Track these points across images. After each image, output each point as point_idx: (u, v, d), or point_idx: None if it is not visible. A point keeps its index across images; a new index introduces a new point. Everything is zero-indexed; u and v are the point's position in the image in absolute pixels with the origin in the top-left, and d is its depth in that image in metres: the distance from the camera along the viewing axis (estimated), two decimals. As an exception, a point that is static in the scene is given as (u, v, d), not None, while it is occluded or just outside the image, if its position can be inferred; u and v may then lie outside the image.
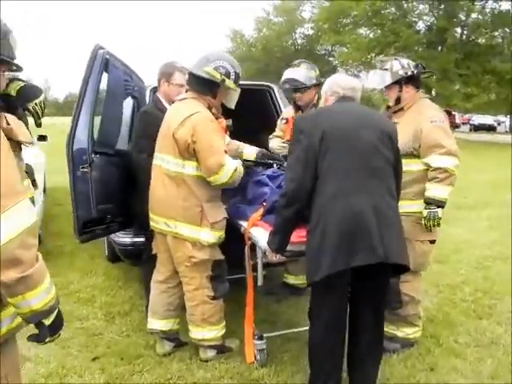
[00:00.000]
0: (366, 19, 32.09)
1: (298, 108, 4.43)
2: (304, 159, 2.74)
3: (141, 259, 3.99)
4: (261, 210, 3.40)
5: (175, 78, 3.77)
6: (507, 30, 29.23)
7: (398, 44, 29.54)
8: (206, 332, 3.45)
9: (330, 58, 45.26)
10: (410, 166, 3.43)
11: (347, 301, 2.84)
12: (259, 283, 3.27)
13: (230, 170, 3.21)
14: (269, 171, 3.91)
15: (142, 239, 3.94)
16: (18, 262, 1.55)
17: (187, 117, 3.13)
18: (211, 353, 3.50)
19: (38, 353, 3.56)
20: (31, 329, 1.71)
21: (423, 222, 3.45)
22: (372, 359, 2.93)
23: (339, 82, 3.06)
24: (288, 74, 4.40)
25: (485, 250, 6.39)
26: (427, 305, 4.49)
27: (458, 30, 30.90)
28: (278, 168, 3.97)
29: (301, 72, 4.33)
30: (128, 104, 4.05)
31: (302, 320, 4.02)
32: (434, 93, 24.78)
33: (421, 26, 32.27)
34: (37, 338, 1.73)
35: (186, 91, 3.41)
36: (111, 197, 3.59)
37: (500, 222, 7.98)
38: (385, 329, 3.33)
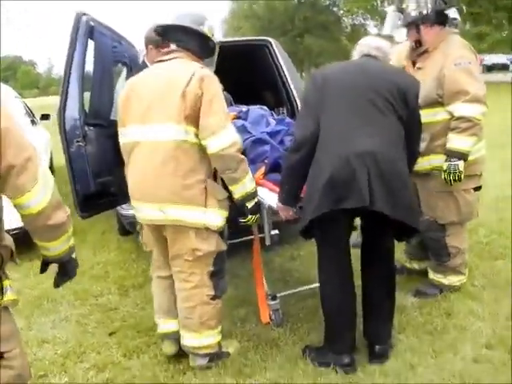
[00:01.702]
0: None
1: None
2: (309, 104, 2.84)
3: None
4: (263, 169, 3.30)
5: None
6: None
7: (404, -12, 28.54)
8: (204, 338, 2.92)
9: (335, 8, 44.16)
10: (435, 116, 3.29)
11: (347, 248, 2.87)
12: (267, 243, 3.21)
13: (231, 136, 2.66)
14: (268, 128, 3.80)
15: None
16: (62, 205, 1.95)
17: (192, 74, 2.61)
18: (203, 361, 2.97)
19: (55, 333, 3.58)
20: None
21: (443, 175, 3.25)
22: (384, 311, 2.94)
23: (366, 41, 3.07)
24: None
25: (498, 191, 6.21)
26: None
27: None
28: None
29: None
30: (120, 72, 3.92)
31: (314, 275, 3.99)
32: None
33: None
34: (61, 278, 2.16)
35: (162, 49, 2.95)
36: (109, 169, 3.49)
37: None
38: (432, 276, 3.60)
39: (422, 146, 3.22)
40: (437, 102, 3.27)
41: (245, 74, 5.32)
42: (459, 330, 3.15)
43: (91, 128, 3.31)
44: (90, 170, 3.26)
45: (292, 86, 5.02)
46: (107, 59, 3.54)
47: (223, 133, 2.62)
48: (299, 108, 4.92)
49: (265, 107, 4.42)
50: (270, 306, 3.40)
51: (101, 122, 3.41)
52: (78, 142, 3.19)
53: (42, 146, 6.47)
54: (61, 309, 3.96)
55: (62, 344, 3.44)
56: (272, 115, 4.38)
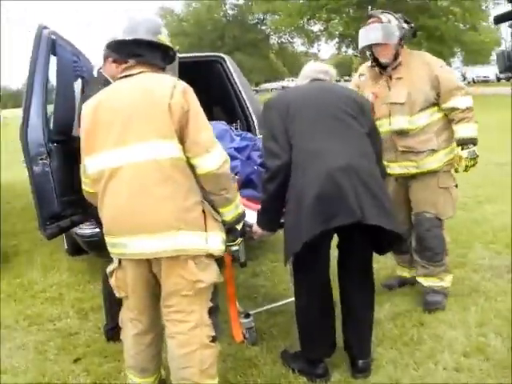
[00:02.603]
0: (296, -16, 31.90)
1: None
2: (276, 132, 2.80)
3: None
4: (235, 185, 3.27)
5: None
6: (433, -14, 29.73)
7: (330, 6, 29.55)
8: None
9: (263, 27, 45.02)
10: (433, 116, 3.56)
11: (328, 265, 2.87)
12: (242, 259, 3.17)
13: (223, 152, 2.45)
14: (234, 143, 3.79)
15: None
16: None
17: (172, 86, 2.35)
18: None
19: (13, 363, 3.36)
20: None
21: (464, 163, 3.50)
22: (367, 325, 2.97)
23: (311, 67, 3.15)
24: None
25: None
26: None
27: (387, -12, 31.14)
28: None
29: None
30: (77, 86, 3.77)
31: (282, 292, 4.01)
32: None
33: (350, -14, 32.33)
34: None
35: (121, 64, 2.63)
36: (73, 187, 3.33)
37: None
38: (428, 283, 3.67)
39: (429, 145, 3.53)
40: (433, 103, 3.54)
41: (198, 89, 5.26)
42: (434, 339, 3.22)
43: (55, 144, 3.16)
44: (55, 189, 3.09)
45: (247, 101, 5.05)
46: (69, 74, 3.41)
47: (216, 149, 2.40)
48: (255, 123, 4.97)
49: (223, 122, 4.41)
50: (243, 324, 3.35)
51: (64, 138, 3.26)
52: (42, 159, 3.03)
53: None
54: (16, 335, 3.73)
55: (23, 374, 3.23)
56: (232, 130, 4.38)
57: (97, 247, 4.18)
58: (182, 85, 2.40)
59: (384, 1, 29.88)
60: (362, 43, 3.64)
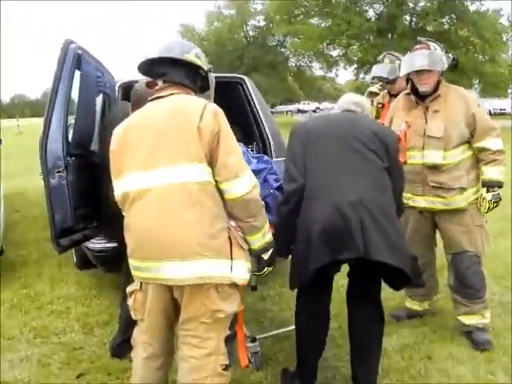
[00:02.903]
0: (318, 9, 32.24)
1: (391, 96, 4.85)
2: (295, 157, 2.85)
3: (118, 266, 3.75)
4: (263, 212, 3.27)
5: None
6: (453, 16, 29.91)
7: (350, 32, 29.81)
8: None
9: (283, 49, 45.40)
10: (465, 153, 3.53)
11: (328, 297, 2.96)
12: (252, 283, 3.14)
13: (253, 177, 2.39)
14: (252, 165, 3.78)
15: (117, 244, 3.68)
16: None
17: (203, 108, 2.30)
18: None
19: (15, 375, 3.34)
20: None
21: (487, 205, 3.49)
22: (375, 356, 2.93)
23: (346, 97, 3.21)
24: (374, 71, 5.05)
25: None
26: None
27: (407, 17, 31.43)
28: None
29: (385, 67, 4.87)
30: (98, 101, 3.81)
31: (289, 317, 3.95)
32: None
33: (371, 14, 32.67)
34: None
35: (154, 87, 2.54)
36: (88, 201, 3.36)
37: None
38: (470, 322, 3.60)
39: (460, 183, 3.49)
40: (466, 141, 3.50)
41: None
42: (442, 374, 3.17)
43: (73, 158, 3.18)
44: (70, 202, 3.11)
45: (265, 124, 5.07)
46: (92, 89, 3.45)
47: (246, 174, 2.33)
48: (272, 146, 4.98)
49: (241, 144, 4.41)
50: (248, 348, 3.31)
51: (82, 153, 3.29)
52: (59, 171, 3.05)
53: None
54: (20, 347, 3.71)
55: (25, 387, 3.21)
56: (248, 152, 4.38)
57: (106, 262, 4.21)
58: (213, 106, 2.35)
59: (405, 29, 30.17)
60: (406, 69, 3.54)
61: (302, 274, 2.70)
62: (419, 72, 3.48)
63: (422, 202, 3.60)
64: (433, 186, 3.52)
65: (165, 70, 2.46)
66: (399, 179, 2.96)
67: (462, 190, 3.50)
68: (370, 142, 2.79)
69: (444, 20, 29.82)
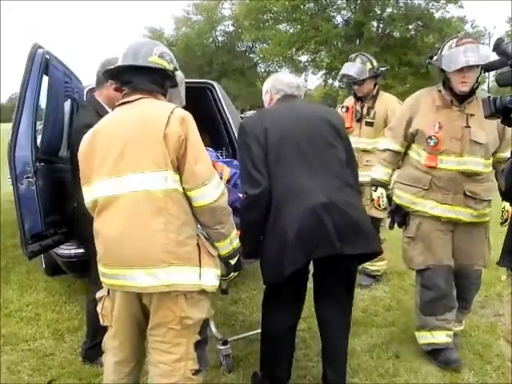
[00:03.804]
0: (286, 15, 32.57)
1: (357, 99, 4.90)
2: (255, 159, 2.75)
3: (87, 271, 3.72)
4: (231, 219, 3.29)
5: None
6: (419, 23, 30.60)
7: (318, 38, 30.26)
8: None
9: (252, 55, 45.65)
10: (489, 167, 3.33)
11: (303, 291, 2.97)
12: (223, 286, 3.17)
13: (220, 185, 2.37)
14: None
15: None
16: None
17: (170, 113, 2.25)
18: None
19: (-16, 382, 3.29)
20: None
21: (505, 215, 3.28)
22: (344, 354, 2.98)
23: (283, 80, 3.09)
24: (344, 69, 4.92)
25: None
26: (381, 294, 4.61)
27: (375, 23, 32.00)
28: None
29: (355, 67, 4.79)
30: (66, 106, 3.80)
31: (260, 319, 4.00)
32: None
33: (339, 20, 33.19)
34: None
35: (121, 92, 2.48)
36: (57, 207, 3.35)
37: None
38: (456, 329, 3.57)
39: (491, 195, 3.32)
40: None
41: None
42: (409, 372, 3.26)
43: (42, 164, 3.17)
44: (40, 208, 3.09)
45: (235, 129, 5.11)
46: (60, 94, 3.43)
47: (213, 182, 2.30)
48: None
49: (210, 149, 4.45)
50: (220, 350, 3.35)
51: (51, 158, 3.29)
52: (28, 177, 3.03)
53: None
54: (-11, 355, 3.67)
55: (-6, 395, 3.19)
56: (218, 157, 4.42)
57: (76, 268, 4.18)
58: (180, 112, 2.29)
59: (372, 35, 30.71)
60: (456, 64, 3.11)
61: (276, 274, 2.70)
62: (466, 69, 3.13)
63: (448, 211, 3.31)
64: (466, 196, 3.26)
65: (130, 78, 2.41)
66: (354, 163, 3.04)
67: (490, 202, 3.34)
68: (330, 136, 2.84)
69: (410, 26, 30.45)
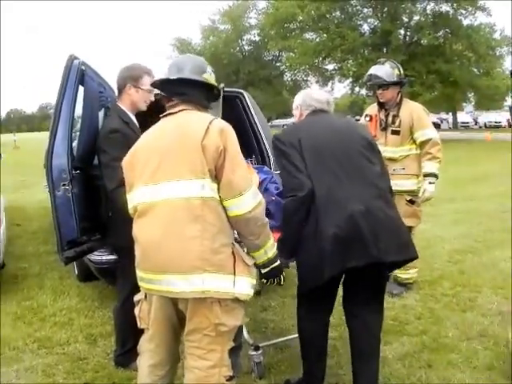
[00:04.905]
0: (312, 24, 32.57)
1: (381, 106, 4.84)
2: (297, 163, 2.80)
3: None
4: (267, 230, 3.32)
5: (144, 82, 3.32)
6: (447, 30, 30.30)
7: (344, 47, 30.15)
8: None
9: (278, 64, 45.77)
10: None
11: (334, 296, 3.02)
12: (257, 288, 3.19)
13: (257, 195, 2.39)
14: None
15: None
16: None
17: (208, 124, 2.33)
18: None
19: (20, 384, 3.37)
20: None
21: None
22: (377, 362, 2.96)
23: (313, 96, 3.15)
24: (372, 70, 4.85)
25: (454, 243, 6.52)
26: (412, 302, 4.56)
27: (402, 31, 31.80)
28: None
29: (383, 69, 4.75)
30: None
31: (290, 327, 4.03)
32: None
33: (366, 28, 33.07)
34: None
35: (167, 103, 2.57)
36: (92, 214, 3.43)
37: (466, 216, 8.19)
38: None
39: None
40: None
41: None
42: (442, 381, 3.22)
43: (78, 172, 3.25)
44: (75, 215, 3.17)
45: (264, 137, 5.16)
46: (94, 104, 3.52)
47: (249, 192, 2.33)
48: (270, 158, 5.06)
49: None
50: (252, 356, 3.37)
51: (86, 167, 3.37)
52: (64, 185, 3.11)
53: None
54: (24, 358, 3.76)
55: (30, 396, 3.26)
56: (249, 164, 4.46)
57: (108, 274, 4.25)
58: (219, 123, 2.37)
59: (400, 43, 30.52)
60: None
61: (314, 278, 2.74)
62: None
63: None
64: None
65: (184, 90, 2.50)
66: (386, 173, 3.08)
67: None
68: (361, 147, 2.91)
69: (438, 34, 30.16)
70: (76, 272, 5.38)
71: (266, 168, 4.17)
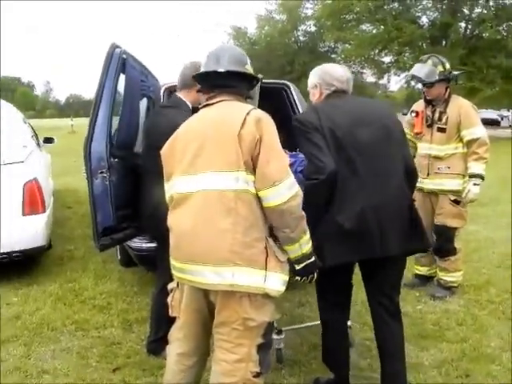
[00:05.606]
0: (369, 15, 31.81)
1: (428, 102, 4.71)
2: (321, 145, 2.68)
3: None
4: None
5: None
6: (511, 24, 29.01)
7: (402, 40, 29.29)
8: None
9: (333, 55, 45.10)
10: None
11: (350, 284, 3.04)
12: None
13: (293, 186, 2.30)
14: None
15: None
16: None
17: (246, 114, 2.28)
18: None
19: (55, 364, 3.47)
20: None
21: None
22: (403, 359, 2.91)
23: (333, 74, 2.96)
24: (413, 70, 4.81)
25: (504, 247, 6.24)
26: (454, 307, 4.39)
27: (462, 24, 30.65)
28: None
29: (425, 68, 4.62)
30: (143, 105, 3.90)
31: (304, 316, 4.17)
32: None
33: (424, 21, 31.94)
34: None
35: (207, 94, 2.55)
36: (129, 202, 3.46)
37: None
38: None
39: None
40: None
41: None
42: (479, 392, 3.09)
43: (116, 160, 3.28)
44: (112, 202, 3.20)
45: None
46: (135, 93, 3.54)
47: (285, 183, 2.25)
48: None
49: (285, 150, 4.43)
50: (274, 340, 3.19)
51: (125, 155, 3.39)
52: (102, 172, 3.15)
53: (45, 169, 6.42)
54: (62, 338, 3.87)
55: (63, 377, 3.34)
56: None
57: (147, 261, 4.31)
58: (256, 113, 2.33)
59: (460, 37, 29.47)
60: None
61: (335, 255, 2.69)
62: None
63: None
64: None
65: (228, 83, 2.46)
66: (412, 166, 2.99)
67: None
68: (385, 135, 2.82)
69: (501, 28, 28.93)
70: (118, 257, 5.48)
71: (300, 155, 4.11)
